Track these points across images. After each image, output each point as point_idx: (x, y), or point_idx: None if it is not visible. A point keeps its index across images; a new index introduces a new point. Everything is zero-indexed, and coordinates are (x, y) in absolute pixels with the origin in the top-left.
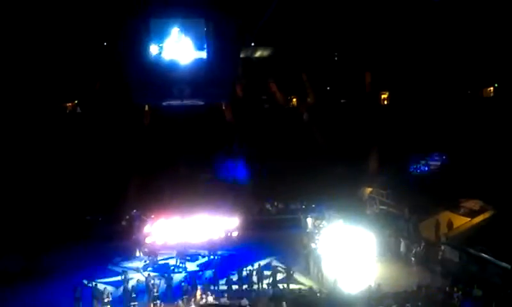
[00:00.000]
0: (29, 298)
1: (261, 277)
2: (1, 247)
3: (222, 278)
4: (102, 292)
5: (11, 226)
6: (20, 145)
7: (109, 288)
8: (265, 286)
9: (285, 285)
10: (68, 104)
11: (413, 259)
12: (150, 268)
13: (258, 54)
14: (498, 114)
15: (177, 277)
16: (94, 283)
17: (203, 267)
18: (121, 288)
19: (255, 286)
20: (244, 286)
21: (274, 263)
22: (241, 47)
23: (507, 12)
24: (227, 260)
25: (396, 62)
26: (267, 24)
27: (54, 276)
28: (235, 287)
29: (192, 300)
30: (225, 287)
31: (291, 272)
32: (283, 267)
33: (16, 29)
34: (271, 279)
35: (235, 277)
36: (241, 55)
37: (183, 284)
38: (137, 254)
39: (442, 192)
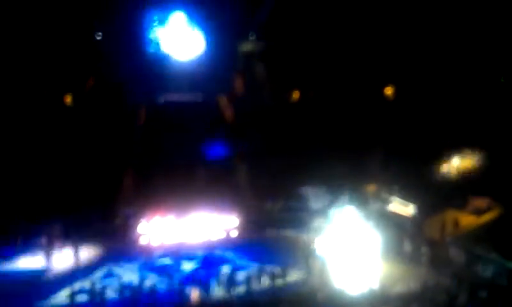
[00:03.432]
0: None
1: (259, 278)
2: None
3: (219, 278)
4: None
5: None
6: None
7: None
8: (263, 287)
9: (284, 286)
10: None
11: (418, 259)
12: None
13: (258, 47)
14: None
15: (173, 277)
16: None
17: (200, 267)
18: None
19: (253, 287)
20: (242, 287)
21: (273, 264)
22: (241, 41)
23: None
24: (224, 261)
25: (401, 55)
26: (269, 17)
27: None
28: (232, 288)
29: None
30: (222, 288)
31: (291, 273)
32: (283, 267)
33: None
34: (270, 280)
35: (232, 278)
36: (241, 50)
37: (179, 284)
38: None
39: (450, 189)
